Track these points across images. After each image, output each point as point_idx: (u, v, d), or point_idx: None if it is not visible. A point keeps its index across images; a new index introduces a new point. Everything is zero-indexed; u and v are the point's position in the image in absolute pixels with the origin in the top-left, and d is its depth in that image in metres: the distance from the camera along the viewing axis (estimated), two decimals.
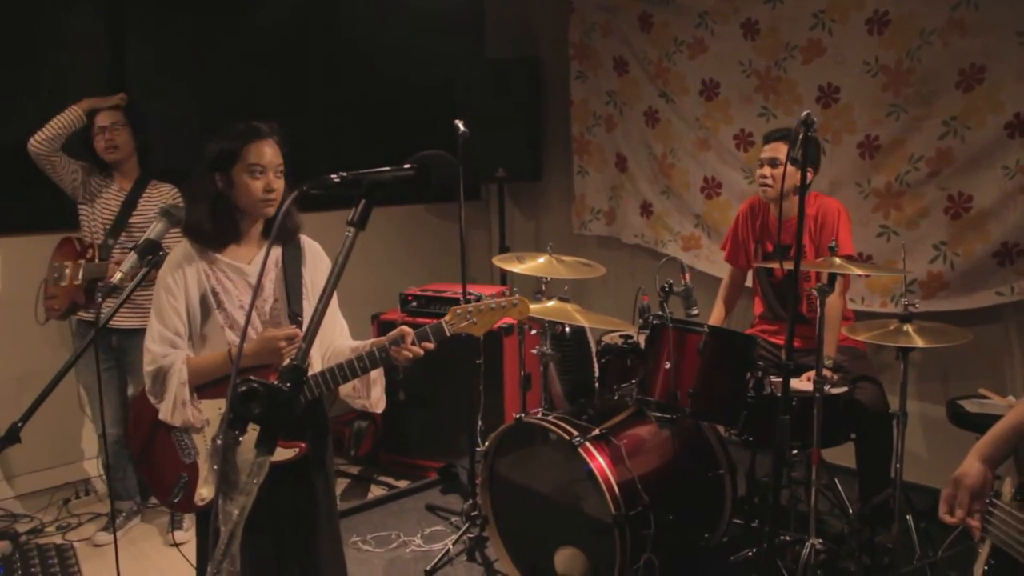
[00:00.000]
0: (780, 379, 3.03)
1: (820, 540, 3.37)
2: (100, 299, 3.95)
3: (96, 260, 4.13)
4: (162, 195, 4.31)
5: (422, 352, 2.55)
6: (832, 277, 3.32)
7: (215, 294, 2.59)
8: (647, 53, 5.60)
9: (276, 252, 2.69)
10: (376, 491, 4.99)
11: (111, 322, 3.28)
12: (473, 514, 4.14)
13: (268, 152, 2.60)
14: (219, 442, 2.56)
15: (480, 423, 4.48)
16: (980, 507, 2.06)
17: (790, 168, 3.56)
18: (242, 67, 5.48)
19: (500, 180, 6.07)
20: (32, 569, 4.04)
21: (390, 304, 5.34)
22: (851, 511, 3.86)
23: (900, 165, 4.54)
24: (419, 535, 4.34)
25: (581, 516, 3.47)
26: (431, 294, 5.08)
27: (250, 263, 2.65)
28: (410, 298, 5.12)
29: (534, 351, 4.02)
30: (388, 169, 1.71)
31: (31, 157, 4.07)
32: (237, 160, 2.56)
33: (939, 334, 3.43)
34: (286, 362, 1.64)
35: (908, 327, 3.40)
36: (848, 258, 3.74)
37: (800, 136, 2.89)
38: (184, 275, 2.58)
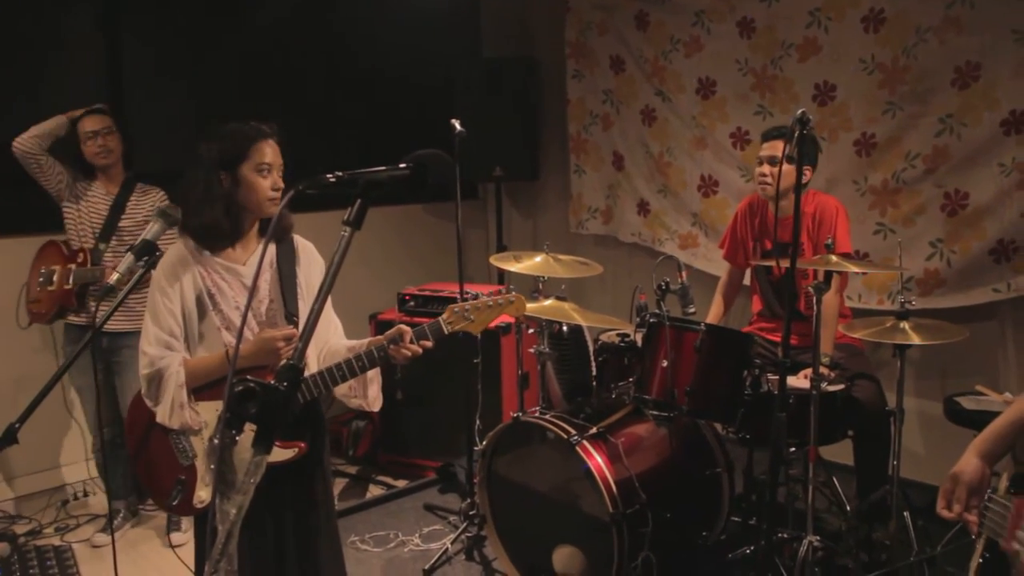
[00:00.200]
0: (777, 377, 3.03)
1: (818, 537, 3.37)
2: (96, 301, 3.97)
3: (88, 265, 4.12)
4: (150, 198, 4.30)
5: (421, 350, 2.56)
6: (828, 275, 3.33)
7: (211, 295, 2.59)
8: (643, 52, 5.60)
9: (271, 252, 2.69)
10: (374, 491, 4.99)
11: (104, 324, 3.27)
12: (471, 513, 4.15)
13: (273, 151, 2.61)
14: (216, 442, 2.56)
15: (478, 422, 4.48)
16: (977, 503, 2.07)
17: (789, 166, 3.56)
18: (238, 67, 5.48)
19: (497, 179, 6.07)
20: (31, 571, 4.04)
21: (387, 304, 5.34)
22: (849, 508, 3.87)
23: (896, 163, 4.54)
24: (417, 534, 4.34)
25: (579, 514, 3.48)
26: (428, 294, 5.08)
27: (245, 264, 2.65)
28: (407, 298, 5.12)
29: (531, 350, 4.02)
30: (384, 168, 1.71)
31: (16, 157, 4.07)
32: (245, 159, 2.56)
33: (936, 331, 3.44)
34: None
35: (905, 324, 3.41)
36: (845, 256, 3.74)
37: (796, 134, 2.89)
38: (179, 277, 2.57)
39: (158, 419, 2.55)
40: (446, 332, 2.60)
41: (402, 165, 1.73)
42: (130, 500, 4.54)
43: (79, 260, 4.12)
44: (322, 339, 2.78)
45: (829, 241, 3.46)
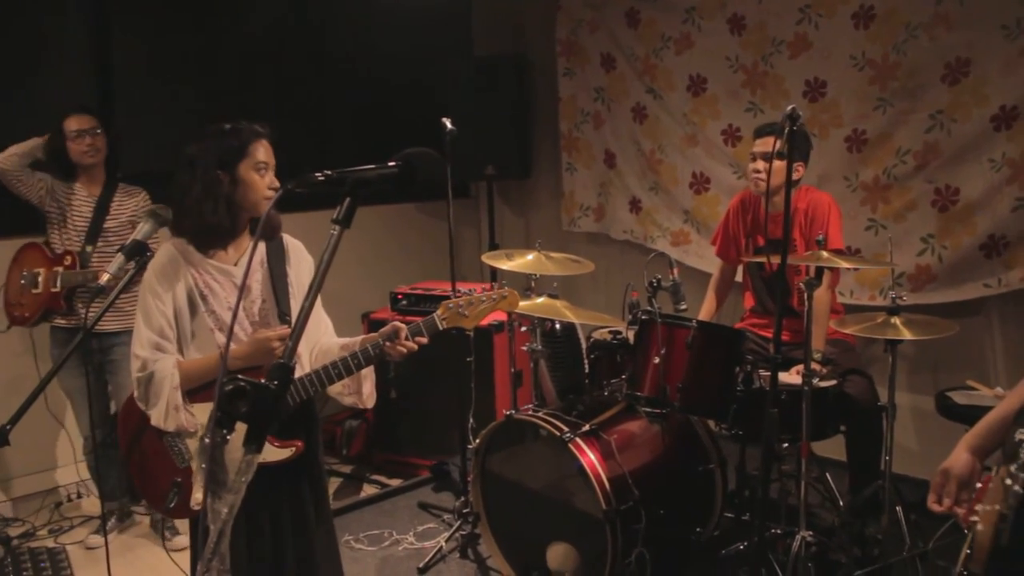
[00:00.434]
0: (769, 373, 3.04)
1: (811, 533, 3.38)
2: (87, 302, 3.95)
3: (77, 267, 4.10)
4: (133, 198, 4.29)
5: (416, 347, 2.57)
6: (819, 271, 3.33)
7: (203, 297, 2.58)
8: (634, 49, 5.61)
9: (260, 252, 2.68)
10: (368, 490, 4.99)
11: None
12: (465, 511, 4.15)
13: (267, 151, 2.61)
14: (207, 441, 2.55)
15: (471, 420, 4.49)
16: (968, 497, 2.07)
17: (782, 162, 3.57)
18: (229, 68, 5.47)
19: (489, 178, 6.07)
20: (24, 573, 4.04)
21: (380, 303, 5.34)
22: (841, 504, 3.88)
23: (887, 159, 4.55)
24: (412, 533, 4.34)
25: (572, 512, 3.48)
26: (421, 292, 5.08)
27: (236, 264, 2.64)
28: (400, 296, 5.12)
29: (524, 348, 4.03)
30: (372, 167, 1.72)
31: None
32: (244, 157, 2.55)
33: (927, 326, 3.45)
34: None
35: (896, 320, 3.42)
36: (837, 252, 3.75)
37: (786, 130, 2.90)
38: (171, 278, 2.56)
39: (153, 422, 2.54)
40: (441, 328, 2.61)
41: (391, 163, 1.73)
42: (123, 501, 4.53)
43: (66, 263, 4.10)
44: (313, 338, 2.77)
45: (820, 237, 3.47)
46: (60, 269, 4.09)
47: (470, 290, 2.75)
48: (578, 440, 3.39)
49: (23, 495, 4.76)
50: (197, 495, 2.59)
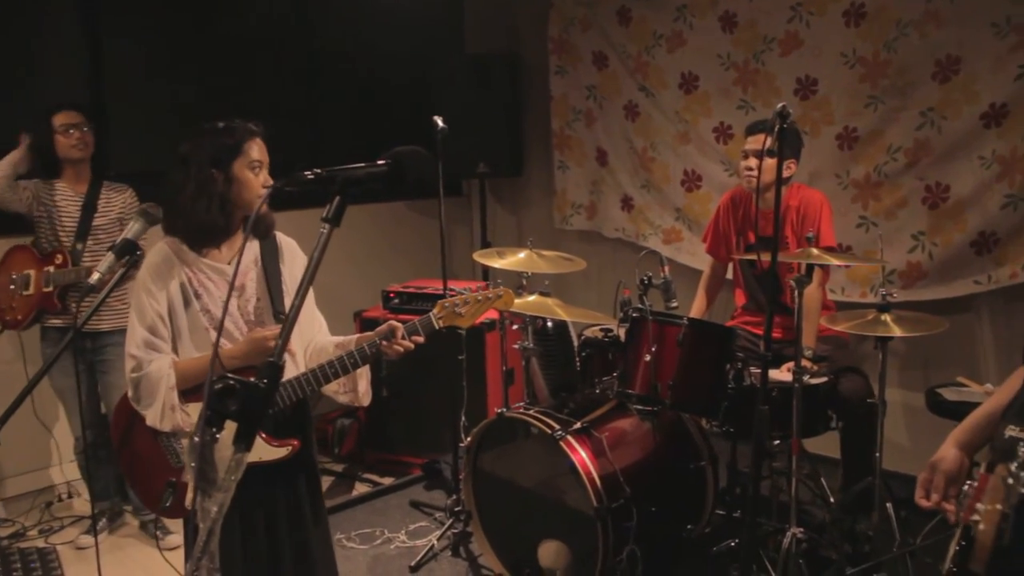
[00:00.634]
0: (760, 370, 3.04)
1: (801, 529, 3.39)
2: (77, 301, 3.94)
3: (69, 266, 4.09)
4: (120, 195, 4.27)
5: (413, 346, 2.57)
6: (810, 268, 3.34)
7: (197, 296, 2.57)
8: (626, 47, 5.61)
9: (254, 250, 2.68)
10: (360, 488, 4.99)
11: (85, 324, 3.24)
12: (457, 509, 4.15)
13: (260, 149, 2.60)
14: (196, 439, 2.54)
15: (463, 419, 4.48)
16: (956, 492, 2.07)
17: (776, 160, 3.59)
18: (220, 66, 5.45)
19: (481, 176, 6.08)
20: (14, 573, 4.03)
21: (372, 301, 5.33)
22: (832, 500, 3.89)
23: (878, 156, 4.56)
24: (403, 531, 4.34)
25: (564, 509, 3.48)
26: (413, 291, 5.07)
27: (229, 263, 2.64)
28: (392, 295, 5.11)
29: (516, 346, 4.03)
30: (362, 165, 1.71)
31: None
32: (238, 155, 2.55)
33: (917, 323, 3.46)
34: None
35: (886, 316, 3.43)
36: (829, 249, 3.77)
37: (776, 128, 2.90)
38: (165, 278, 2.56)
39: (148, 422, 2.53)
40: (437, 327, 2.61)
41: (380, 162, 1.73)
42: (114, 501, 4.52)
43: (57, 262, 4.09)
44: (307, 336, 2.77)
45: (810, 235, 3.48)
46: (51, 269, 4.08)
47: (465, 289, 2.75)
48: (569, 438, 3.40)
49: (13, 495, 4.76)
50: (192, 495, 2.59)
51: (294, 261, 2.75)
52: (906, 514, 3.64)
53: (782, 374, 3.56)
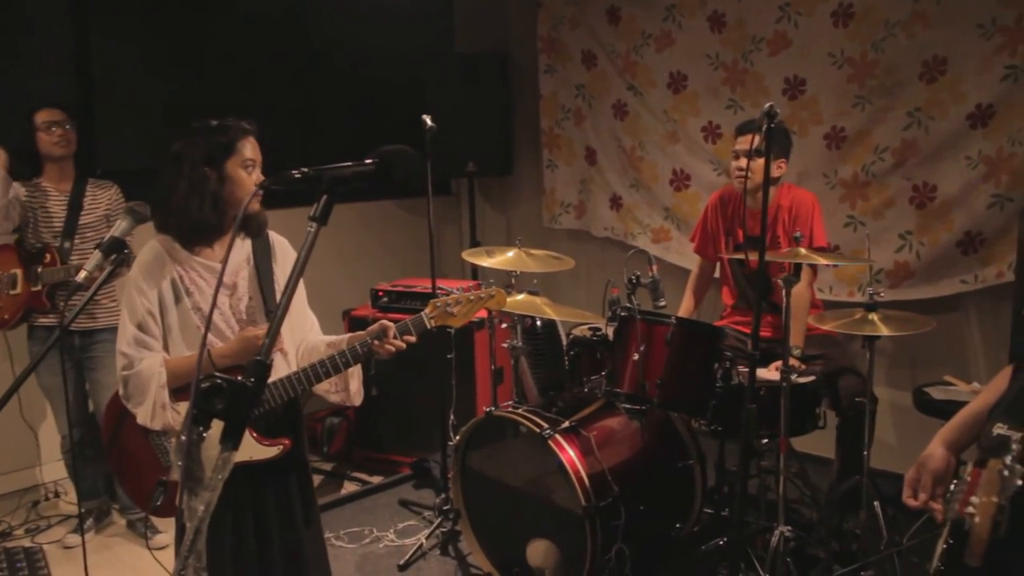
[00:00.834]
0: (747, 369, 3.05)
1: (789, 528, 3.40)
2: (65, 299, 3.92)
3: (58, 264, 4.07)
4: (105, 192, 4.26)
5: (404, 345, 2.57)
6: (797, 267, 3.35)
7: (188, 294, 2.57)
8: (615, 46, 5.62)
9: (247, 249, 2.68)
10: (349, 487, 4.98)
11: (73, 323, 3.23)
12: (446, 508, 4.15)
13: (254, 148, 2.60)
14: (183, 438, 2.54)
15: (452, 418, 4.48)
16: (943, 491, 2.08)
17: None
18: (209, 65, 5.43)
19: (470, 175, 6.07)
20: (1, 572, 4.00)
21: (360, 300, 5.33)
22: (820, 498, 3.90)
23: (866, 156, 4.58)
24: (392, 530, 4.34)
25: (552, 508, 3.49)
26: (402, 289, 5.07)
27: (222, 261, 2.63)
28: (381, 293, 5.10)
29: (505, 345, 4.03)
30: (349, 164, 1.71)
31: None
32: (231, 154, 2.54)
33: (904, 322, 3.47)
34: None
35: (873, 316, 3.44)
36: (822, 249, 3.79)
37: (764, 127, 2.91)
38: (156, 276, 2.55)
39: (139, 420, 2.53)
40: (429, 327, 2.61)
41: (367, 161, 1.73)
42: (102, 500, 4.51)
43: (46, 260, 4.07)
44: (299, 335, 2.77)
45: (798, 234, 3.49)
46: (40, 268, 4.06)
47: (458, 288, 2.75)
48: (557, 437, 3.40)
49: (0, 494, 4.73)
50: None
51: (286, 260, 2.75)
52: (894, 512, 3.66)
53: (770, 373, 3.57)
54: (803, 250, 3.39)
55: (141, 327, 2.53)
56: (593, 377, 3.82)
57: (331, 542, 4.20)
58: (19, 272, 4.07)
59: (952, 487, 2.07)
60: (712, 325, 3.79)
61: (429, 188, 3.98)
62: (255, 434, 2.53)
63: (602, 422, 3.67)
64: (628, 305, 3.58)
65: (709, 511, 3.91)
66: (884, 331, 3.38)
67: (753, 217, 3.88)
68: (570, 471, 3.31)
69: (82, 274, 2.85)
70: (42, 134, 4.07)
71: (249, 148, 2.58)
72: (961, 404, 2.28)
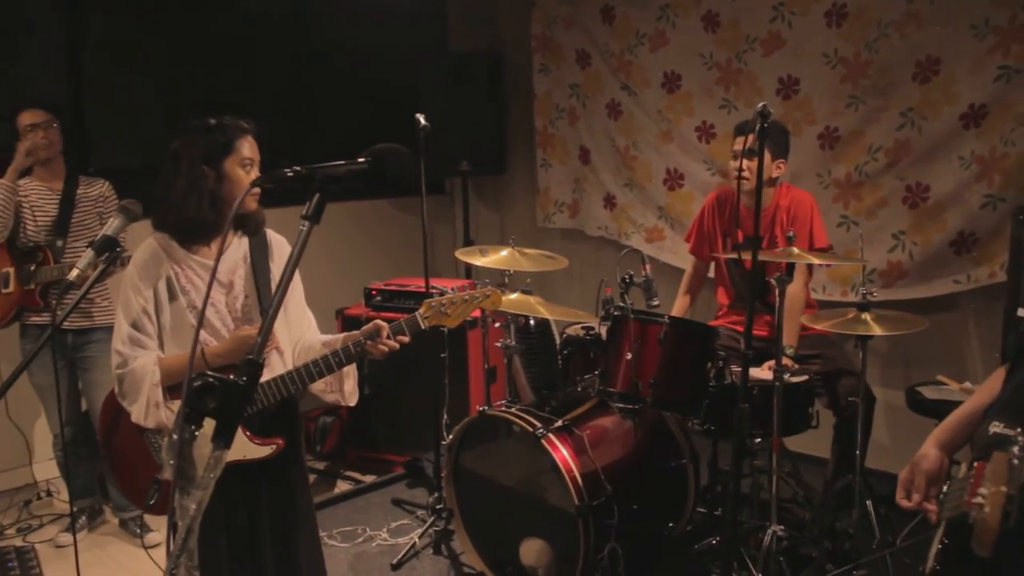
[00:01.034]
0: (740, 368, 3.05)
1: (782, 527, 3.41)
2: (57, 298, 3.91)
3: (51, 263, 4.06)
4: (96, 189, 4.23)
5: (398, 346, 2.57)
6: (790, 267, 3.36)
7: (184, 292, 2.57)
8: (609, 46, 5.62)
9: (244, 247, 2.68)
10: (342, 486, 4.98)
11: (65, 321, 3.22)
12: (439, 507, 4.15)
13: (252, 147, 2.60)
14: (175, 437, 2.54)
15: (445, 417, 4.48)
16: (936, 492, 2.08)
17: (765, 160, 3.63)
18: (203, 63, 5.42)
19: (464, 174, 6.07)
20: None
21: (354, 299, 5.32)
22: (813, 498, 3.90)
23: (859, 156, 4.59)
24: (385, 529, 4.34)
25: (545, 507, 3.49)
26: (395, 288, 5.06)
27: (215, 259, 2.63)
28: (374, 292, 5.10)
29: (498, 344, 4.03)
30: (342, 163, 1.71)
31: None
32: (230, 153, 2.54)
33: (896, 322, 3.48)
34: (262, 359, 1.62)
35: (866, 315, 3.45)
36: (823, 250, 3.80)
37: (757, 127, 2.91)
38: (152, 274, 2.55)
39: (133, 418, 2.53)
40: (423, 327, 2.60)
41: (360, 160, 1.73)
42: (94, 499, 4.50)
43: (39, 259, 4.06)
44: (297, 334, 2.77)
45: (791, 234, 3.49)
46: (32, 266, 4.05)
47: (453, 288, 2.75)
48: (551, 436, 3.40)
49: None
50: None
51: (284, 258, 2.74)
52: (886, 512, 3.66)
53: (763, 372, 3.57)
54: (796, 249, 3.39)
55: (136, 325, 2.53)
56: (586, 376, 3.82)
57: (324, 541, 4.18)
58: (11, 271, 4.06)
59: (945, 488, 2.07)
60: (705, 324, 3.79)
61: (423, 187, 3.97)
62: (248, 433, 2.53)
63: (595, 421, 3.67)
64: (621, 304, 3.58)
65: (702, 510, 3.90)
66: (877, 331, 3.39)
67: (751, 217, 3.88)
68: (563, 470, 3.31)
69: (74, 272, 2.84)
70: (23, 139, 4.04)
71: (247, 147, 2.58)
72: (953, 403, 2.28)
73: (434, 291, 4.21)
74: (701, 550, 3.69)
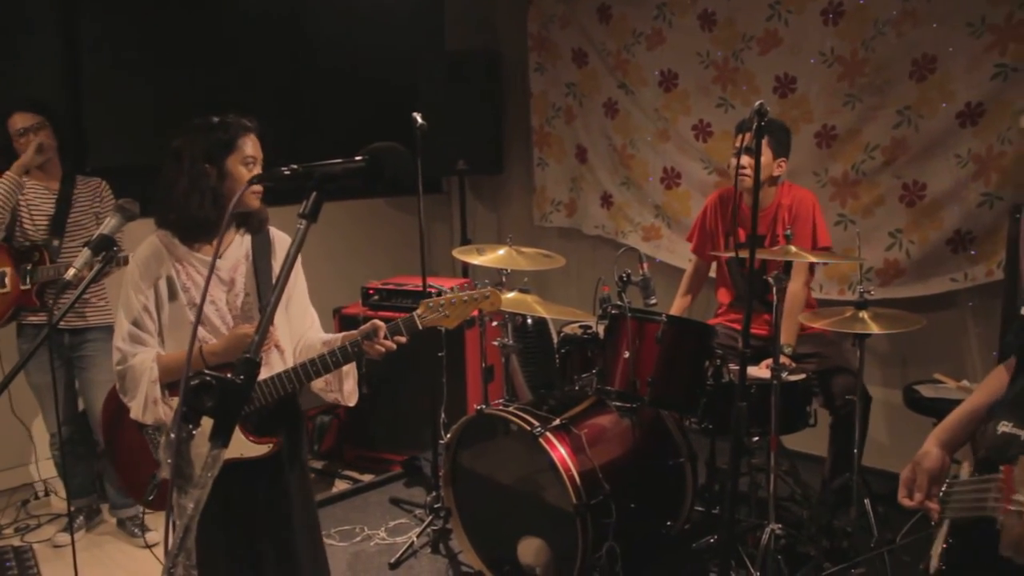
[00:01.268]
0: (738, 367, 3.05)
1: (780, 525, 3.40)
2: (54, 297, 3.90)
3: (48, 263, 4.05)
4: (92, 188, 4.23)
5: (395, 346, 2.56)
6: (787, 266, 3.36)
7: (185, 290, 2.57)
8: (606, 45, 5.62)
9: (246, 245, 2.68)
10: (340, 485, 4.97)
11: (62, 321, 3.21)
12: (437, 507, 4.15)
13: (254, 145, 2.60)
14: (172, 436, 2.54)
15: (443, 416, 4.48)
16: (938, 491, 2.08)
17: (767, 158, 3.64)
18: (200, 61, 5.41)
19: (461, 173, 6.06)
20: None
21: (351, 298, 5.31)
22: (811, 496, 3.91)
23: (856, 154, 4.59)
24: (383, 528, 4.33)
25: (543, 506, 3.49)
26: (392, 287, 5.06)
27: (221, 258, 2.63)
28: (371, 291, 5.10)
29: (496, 343, 4.02)
30: (339, 161, 1.70)
31: None
32: (232, 151, 2.54)
33: (894, 320, 3.48)
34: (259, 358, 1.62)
35: (864, 314, 3.45)
36: (826, 249, 3.80)
37: (754, 125, 2.91)
38: (153, 272, 2.55)
39: (132, 414, 2.54)
40: (420, 327, 2.59)
41: (357, 158, 1.72)
42: (92, 498, 4.49)
43: (36, 259, 4.05)
44: (298, 332, 2.76)
45: (788, 232, 3.49)
46: (29, 266, 4.04)
47: (451, 287, 2.74)
48: (548, 435, 3.40)
49: None
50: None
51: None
52: (884, 510, 3.67)
53: (760, 371, 3.57)
54: (793, 248, 3.39)
55: (136, 323, 2.53)
56: (584, 375, 3.82)
57: None
58: (8, 270, 4.05)
59: (946, 486, 2.07)
60: (703, 323, 3.79)
61: (420, 186, 3.97)
62: (245, 432, 2.52)
63: (593, 420, 3.67)
64: (619, 303, 3.58)
65: (700, 509, 3.91)
66: (874, 329, 3.39)
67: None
68: (561, 469, 3.31)
69: (71, 272, 2.84)
70: (15, 143, 4.02)
71: (250, 145, 2.58)
72: (950, 402, 2.29)
73: (431, 290, 4.21)
74: (699, 548, 3.69)
